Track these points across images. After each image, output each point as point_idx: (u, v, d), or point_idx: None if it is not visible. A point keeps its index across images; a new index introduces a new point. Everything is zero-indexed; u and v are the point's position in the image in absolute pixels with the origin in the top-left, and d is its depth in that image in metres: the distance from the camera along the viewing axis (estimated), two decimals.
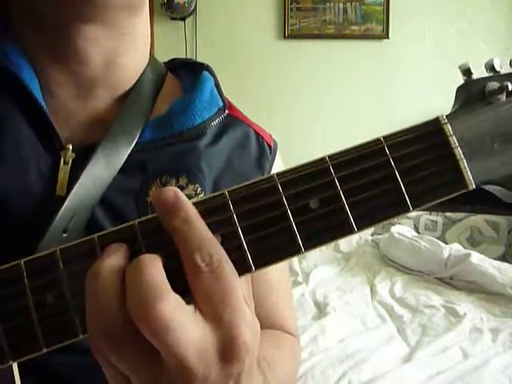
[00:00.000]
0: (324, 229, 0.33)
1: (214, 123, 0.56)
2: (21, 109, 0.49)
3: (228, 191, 0.33)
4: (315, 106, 2.96)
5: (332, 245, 2.49)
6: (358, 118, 2.95)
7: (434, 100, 2.98)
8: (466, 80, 0.36)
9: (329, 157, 0.34)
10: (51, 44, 0.50)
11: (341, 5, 2.92)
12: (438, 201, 0.34)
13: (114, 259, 0.31)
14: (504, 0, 2.95)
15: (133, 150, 0.51)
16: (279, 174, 0.33)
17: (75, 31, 0.48)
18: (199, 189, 0.52)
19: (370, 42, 2.96)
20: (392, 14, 2.91)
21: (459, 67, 0.37)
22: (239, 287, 0.30)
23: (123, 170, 0.50)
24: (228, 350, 0.29)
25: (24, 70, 0.49)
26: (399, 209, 0.34)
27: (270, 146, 0.60)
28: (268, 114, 2.86)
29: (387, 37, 2.93)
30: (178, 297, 0.29)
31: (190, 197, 0.52)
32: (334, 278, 2.16)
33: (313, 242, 0.33)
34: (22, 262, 0.33)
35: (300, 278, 2.12)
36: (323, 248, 1.98)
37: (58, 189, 0.48)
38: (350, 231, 0.33)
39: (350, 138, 2.42)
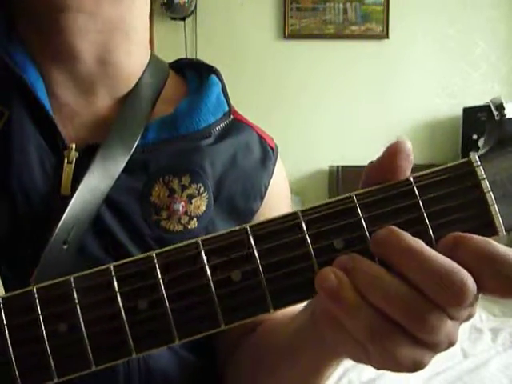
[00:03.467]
0: None
1: (218, 127, 0.56)
2: (26, 109, 0.50)
3: (250, 226, 0.33)
4: (315, 105, 2.96)
5: None
6: (358, 118, 2.95)
7: (433, 100, 2.98)
8: (498, 117, 0.35)
9: (356, 195, 0.33)
10: (45, 40, 0.51)
11: (341, 5, 2.92)
12: None
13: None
14: (504, 0, 2.95)
15: (136, 150, 0.51)
16: (304, 212, 0.33)
17: (60, 21, 0.49)
18: (202, 188, 0.52)
19: (370, 41, 2.96)
20: (392, 13, 2.91)
21: (491, 101, 0.35)
22: None
23: (127, 169, 0.51)
24: None
25: (29, 71, 0.50)
26: None
27: (272, 149, 0.60)
28: (268, 113, 2.86)
29: (387, 37, 2.93)
30: None
31: (192, 196, 0.52)
32: None
33: None
34: (35, 289, 0.32)
35: None
36: None
37: (63, 188, 0.48)
38: None
39: (350, 138, 2.41)
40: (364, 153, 2.57)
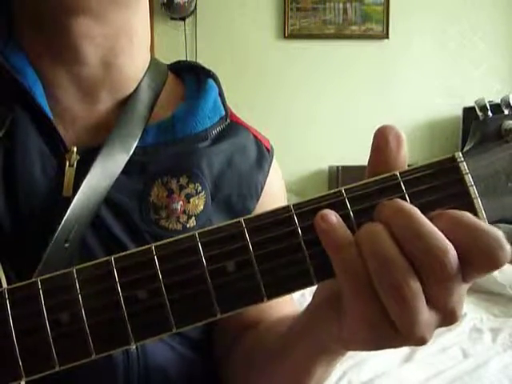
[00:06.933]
0: None
1: (214, 131, 0.57)
2: (28, 113, 0.50)
3: (244, 219, 0.34)
4: (315, 105, 2.96)
5: None
6: (358, 117, 2.95)
7: (433, 100, 2.99)
8: (482, 117, 0.36)
9: (345, 189, 0.34)
10: (49, 43, 0.51)
11: (341, 5, 2.92)
12: None
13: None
14: (504, 0, 2.95)
15: (134, 153, 0.52)
16: (295, 205, 0.34)
17: (68, 25, 0.49)
18: (199, 187, 0.53)
19: (370, 41, 2.97)
20: (392, 14, 2.92)
21: (475, 102, 0.37)
22: None
23: (126, 171, 0.51)
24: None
25: (28, 75, 0.51)
26: None
27: (267, 150, 0.61)
28: (267, 113, 2.87)
29: (387, 37, 2.94)
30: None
31: (190, 195, 0.53)
32: None
33: (325, 272, 0.33)
34: (39, 281, 0.33)
35: None
36: None
37: (65, 190, 0.49)
38: None
39: (350, 139, 2.42)
40: (364, 153, 2.54)
